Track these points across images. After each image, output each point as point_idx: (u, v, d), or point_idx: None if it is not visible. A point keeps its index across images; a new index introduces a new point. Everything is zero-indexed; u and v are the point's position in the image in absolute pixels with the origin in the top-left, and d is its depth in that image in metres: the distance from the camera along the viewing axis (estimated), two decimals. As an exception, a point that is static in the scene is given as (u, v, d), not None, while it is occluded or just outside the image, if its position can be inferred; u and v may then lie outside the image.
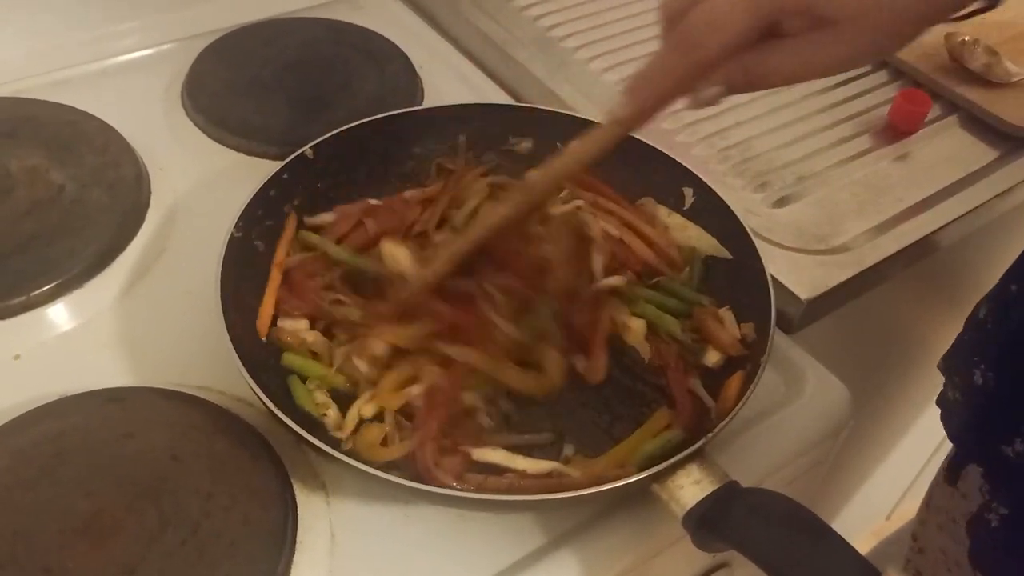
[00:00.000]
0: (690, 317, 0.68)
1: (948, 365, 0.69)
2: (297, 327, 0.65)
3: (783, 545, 0.49)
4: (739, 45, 0.46)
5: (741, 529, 0.51)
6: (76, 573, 0.52)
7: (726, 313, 0.67)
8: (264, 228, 0.68)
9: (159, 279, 0.72)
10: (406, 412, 0.60)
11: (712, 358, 0.66)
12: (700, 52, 0.46)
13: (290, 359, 0.63)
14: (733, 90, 0.49)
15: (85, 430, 0.59)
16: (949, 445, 0.68)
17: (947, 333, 0.77)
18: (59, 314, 0.68)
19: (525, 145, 0.78)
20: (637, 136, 0.75)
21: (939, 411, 0.72)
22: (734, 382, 0.61)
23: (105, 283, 0.70)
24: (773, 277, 0.66)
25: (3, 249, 0.70)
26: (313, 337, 0.64)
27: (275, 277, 0.67)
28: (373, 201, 0.73)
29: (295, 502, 0.57)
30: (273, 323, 0.65)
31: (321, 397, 0.61)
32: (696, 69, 0.47)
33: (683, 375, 0.64)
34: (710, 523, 0.52)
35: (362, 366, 0.61)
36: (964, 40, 0.92)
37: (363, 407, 0.60)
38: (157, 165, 0.80)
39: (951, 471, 0.67)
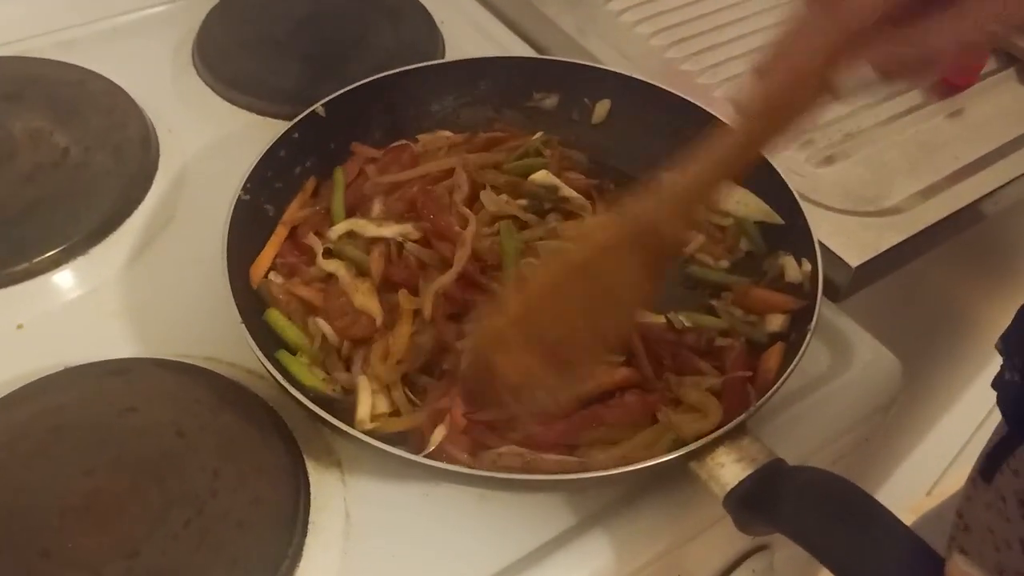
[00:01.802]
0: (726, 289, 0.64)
1: (1007, 344, 0.65)
2: (291, 285, 0.62)
3: (836, 529, 0.46)
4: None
5: (789, 511, 0.47)
6: (75, 556, 0.49)
7: (787, 259, 0.63)
8: (274, 191, 0.65)
9: (167, 246, 0.69)
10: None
11: (773, 324, 0.61)
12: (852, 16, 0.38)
13: (274, 317, 0.59)
14: (885, 73, 0.39)
15: (86, 404, 0.56)
16: (994, 418, 0.65)
17: (1001, 303, 0.72)
18: (63, 282, 0.66)
19: (550, 101, 0.74)
20: (669, 88, 0.70)
21: (986, 384, 0.68)
22: (775, 353, 0.58)
23: (110, 250, 0.68)
24: (819, 241, 0.62)
25: (5, 215, 0.68)
26: (309, 293, 0.61)
27: (280, 232, 0.64)
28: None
29: (308, 480, 0.54)
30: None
31: (319, 372, 0.57)
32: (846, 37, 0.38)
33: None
34: (754, 504, 0.49)
35: (378, 367, 0.58)
36: (1023, -14, 0.86)
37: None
38: (166, 126, 0.77)
39: (991, 461, 0.63)
